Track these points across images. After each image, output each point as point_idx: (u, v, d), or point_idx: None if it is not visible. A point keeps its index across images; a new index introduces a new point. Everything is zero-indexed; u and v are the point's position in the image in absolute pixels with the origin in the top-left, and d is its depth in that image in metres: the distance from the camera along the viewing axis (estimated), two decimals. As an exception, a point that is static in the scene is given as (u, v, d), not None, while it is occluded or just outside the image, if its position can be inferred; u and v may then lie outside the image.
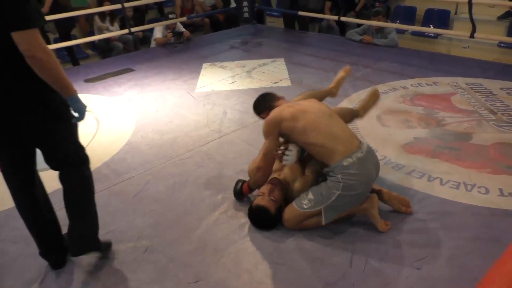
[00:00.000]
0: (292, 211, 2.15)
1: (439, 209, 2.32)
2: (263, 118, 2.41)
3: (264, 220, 2.20)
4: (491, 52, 5.31)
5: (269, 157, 2.27)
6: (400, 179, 2.59)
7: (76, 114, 1.76)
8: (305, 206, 2.10)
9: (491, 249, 2.01)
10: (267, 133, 2.26)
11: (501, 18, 5.64)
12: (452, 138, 3.04)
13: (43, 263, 2.04)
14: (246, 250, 2.10)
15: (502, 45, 5.28)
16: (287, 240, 2.14)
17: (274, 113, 2.26)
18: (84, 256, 1.98)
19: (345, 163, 2.02)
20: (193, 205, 2.46)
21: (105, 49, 6.28)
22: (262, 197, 2.20)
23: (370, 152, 2.15)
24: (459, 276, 1.87)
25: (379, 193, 2.26)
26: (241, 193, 2.41)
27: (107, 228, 2.29)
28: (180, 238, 2.20)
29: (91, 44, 6.57)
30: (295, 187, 2.24)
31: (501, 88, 3.84)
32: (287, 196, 2.25)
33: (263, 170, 2.31)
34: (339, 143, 2.08)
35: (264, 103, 2.46)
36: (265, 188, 2.23)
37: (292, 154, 2.22)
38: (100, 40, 6.14)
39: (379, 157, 2.80)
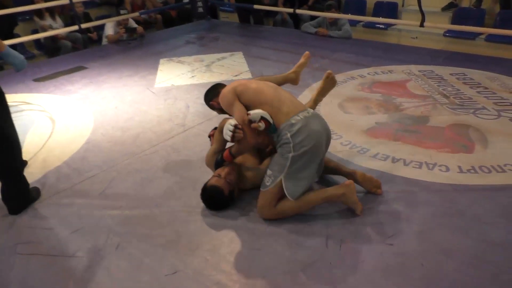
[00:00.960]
0: (261, 196, 2.16)
1: (405, 188, 2.41)
2: (213, 105, 2.46)
3: (217, 200, 2.23)
4: (437, 42, 5.58)
5: (246, 122, 2.14)
6: (366, 162, 2.66)
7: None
8: (267, 183, 2.12)
9: (456, 222, 2.12)
10: (228, 103, 2.23)
11: (445, 9, 5.94)
12: (411, 122, 3.17)
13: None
14: (222, 239, 2.08)
15: (447, 34, 5.56)
16: (262, 226, 2.14)
17: (225, 88, 2.31)
18: (54, 253, 1.88)
19: (292, 121, 2.08)
20: (163, 199, 2.40)
21: (52, 48, 5.94)
22: (217, 178, 2.22)
23: (318, 116, 2.20)
24: (429, 249, 1.95)
25: (353, 174, 2.32)
26: (222, 162, 2.29)
27: (74, 226, 2.20)
28: (153, 232, 2.14)
29: (37, 44, 6.24)
30: (247, 175, 2.31)
31: (451, 74, 4.05)
32: (240, 183, 2.30)
33: (247, 137, 2.15)
34: (286, 105, 2.14)
35: (214, 91, 2.46)
36: (222, 170, 2.26)
37: (255, 113, 2.13)
38: (46, 39, 5.81)
39: (344, 143, 2.90)
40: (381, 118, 3.24)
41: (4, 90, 2.25)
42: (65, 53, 5.74)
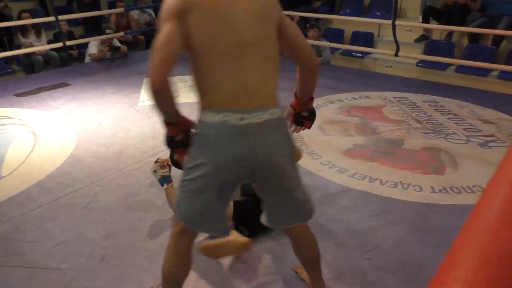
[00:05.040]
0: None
1: (381, 206, 2.53)
2: None
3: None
4: (411, 71, 5.86)
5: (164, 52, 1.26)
6: (344, 181, 2.78)
7: None
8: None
9: (429, 238, 2.23)
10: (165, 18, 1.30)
11: (417, 40, 6.27)
12: (386, 144, 3.32)
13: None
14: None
15: (420, 64, 5.86)
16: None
17: None
18: (37, 265, 1.89)
19: (206, 117, 1.31)
20: (147, 213, 2.44)
21: (25, 64, 5.89)
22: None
23: (275, 128, 1.33)
24: (405, 263, 2.06)
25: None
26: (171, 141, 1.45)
27: (57, 239, 2.20)
28: (137, 244, 2.17)
29: (16, 60, 6.21)
30: None
31: (423, 101, 4.27)
32: None
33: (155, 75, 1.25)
34: (231, 86, 1.29)
35: None
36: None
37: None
38: (23, 55, 5.80)
39: (324, 162, 3.01)
40: (359, 140, 3.39)
41: None
42: (39, 69, 5.73)
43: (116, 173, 2.89)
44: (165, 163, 2.27)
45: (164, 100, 1.30)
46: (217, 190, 1.35)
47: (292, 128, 1.69)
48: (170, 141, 1.44)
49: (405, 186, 2.73)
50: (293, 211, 1.48)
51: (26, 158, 3.10)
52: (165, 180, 2.25)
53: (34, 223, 2.35)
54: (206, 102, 1.33)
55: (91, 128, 3.65)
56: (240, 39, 1.29)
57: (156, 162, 2.30)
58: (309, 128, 1.72)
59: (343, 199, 2.59)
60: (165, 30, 1.27)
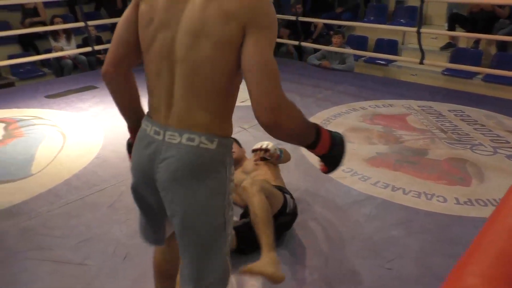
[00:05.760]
0: None
1: (403, 215, 2.50)
2: None
3: None
4: (436, 79, 5.78)
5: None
6: (366, 189, 2.76)
7: None
8: None
9: (451, 249, 2.19)
10: None
11: (443, 48, 6.18)
12: (410, 153, 3.29)
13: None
14: (226, 255, 2.14)
15: (445, 73, 5.77)
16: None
17: None
18: (62, 260, 1.95)
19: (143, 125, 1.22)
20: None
21: (56, 68, 6.11)
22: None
23: (188, 156, 1.12)
24: (426, 274, 2.03)
25: None
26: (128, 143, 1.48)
27: (82, 236, 2.27)
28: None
29: (47, 63, 6.44)
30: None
31: (449, 110, 4.20)
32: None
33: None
34: (158, 97, 1.17)
35: None
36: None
37: None
38: (53, 59, 6.01)
39: (346, 170, 3.00)
40: (382, 149, 3.36)
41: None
42: (68, 72, 5.92)
43: (140, 175, 2.95)
44: None
45: (112, 88, 1.26)
46: (136, 195, 1.27)
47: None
48: (127, 144, 1.42)
49: (429, 196, 2.69)
50: (185, 268, 1.21)
51: (55, 157, 3.20)
52: None
53: (61, 219, 2.43)
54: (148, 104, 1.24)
55: (117, 129, 3.73)
56: (170, 53, 1.11)
57: None
58: (325, 172, 1.26)
59: (364, 207, 2.57)
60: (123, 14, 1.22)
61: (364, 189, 2.75)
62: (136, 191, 1.27)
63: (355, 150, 3.32)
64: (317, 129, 1.15)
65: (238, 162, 2.61)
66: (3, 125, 3.77)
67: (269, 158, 2.47)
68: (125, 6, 7.14)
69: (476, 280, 0.50)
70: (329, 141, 1.16)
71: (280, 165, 2.61)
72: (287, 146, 3.13)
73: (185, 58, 1.09)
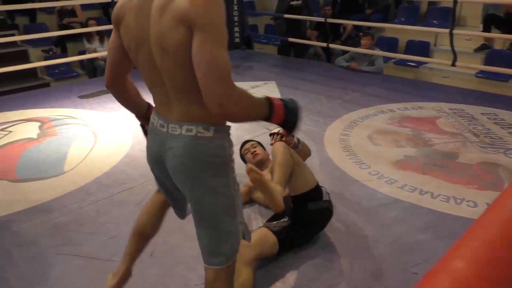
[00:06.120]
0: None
1: (430, 219, 2.44)
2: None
3: None
4: (469, 82, 5.61)
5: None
6: (393, 192, 2.71)
7: None
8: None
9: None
10: None
11: (477, 50, 6.00)
12: (440, 157, 3.21)
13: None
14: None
15: (479, 75, 5.60)
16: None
17: None
18: (91, 256, 2.02)
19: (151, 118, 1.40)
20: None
21: (90, 69, 6.30)
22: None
23: (188, 145, 1.26)
24: (454, 280, 1.98)
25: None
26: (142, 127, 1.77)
27: (110, 233, 2.33)
28: (184, 243, 2.25)
29: (80, 64, 6.67)
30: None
31: (482, 113, 4.08)
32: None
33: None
34: (157, 94, 1.33)
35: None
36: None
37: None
38: (86, 60, 6.21)
39: (372, 172, 2.96)
40: (410, 152, 3.30)
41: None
42: (100, 73, 6.08)
43: (167, 174, 3.01)
44: None
45: (115, 96, 1.52)
46: (156, 178, 1.53)
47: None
48: (140, 126, 1.75)
49: (458, 201, 2.62)
50: (201, 240, 1.39)
51: (86, 156, 3.31)
52: None
53: (91, 216, 2.51)
54: None
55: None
56: (153, 64, 1.25)
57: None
58: (286, 136, 1.66)
59: (391, 210, 2.53)
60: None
61: (390, 192, 2.71)
62: (155, 175, 1.49)
63: (382, 153, 3.27)
64: (269, 103, 1.25)
65: (263, 163, 2.63)
66: (38, 124, 3.93)
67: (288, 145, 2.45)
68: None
69: (462, 264, 0.54)
70: (283, 110, 1.28)
71: (305, 166, 2.60)
72: (309, 144, 3.11)
73: (162, 67, 1.22)
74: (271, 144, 2.48)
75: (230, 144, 1.32)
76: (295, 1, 6.33)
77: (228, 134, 1.32)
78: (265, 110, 1.24)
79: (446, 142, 3.47)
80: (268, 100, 1.26)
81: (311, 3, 6.61)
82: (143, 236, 1.77)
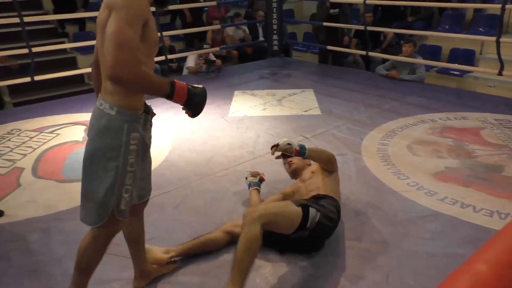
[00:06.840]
0: None
1: (472, 234, 2.36)
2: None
3: None
4: (517, 92, 5.38)
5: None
6: (433, 205, 2.64)
7: None
8: None
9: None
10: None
11: (527, 59, 5.74)
12: (483, 170, 3.09)
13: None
14: (282, 268, 2.14)
15: (528, 85, 5.36)
16: (320, 254, 2.20)
17: None
18: (128, 258, 2.09)
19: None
20: (230, 219, 2.55)
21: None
22: None
23: (96, 116, 1.55)
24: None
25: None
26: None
27: (149, 235, 2.37)
28: (219, 250, 2.28)
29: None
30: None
31: (530, 125, 3.90)
32: None
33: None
34: None
35: None
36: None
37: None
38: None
39: (411, 183, 2.90)
40: (451, 163, 3.20)
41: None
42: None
43: (204, 178, 3.07)
44: (256, 174, 2.76)
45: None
46: None
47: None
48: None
49: (503, 216, 2.51)
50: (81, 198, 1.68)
51: (128, 159, 3.43)
52: (250, 185, 2.69)
53: (131, 218, 2.59)
54: None
55: (185, 135, 3.92)
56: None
57: (249, 171, 2.81)
58: (190, 116, 1.67)
59: (430, 223, 2.46)
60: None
61: (430, 204, 2.64)
62: None
63: (421, 164, 3.19)
64: (172, 83, 1.46)
65: (298, 172, 2.63)
66: (83, 127, 4.12)
67: (289, 154, 2.41)
68: (195, 19, 7.52)
69: (484, 266, 0.58)
70: (186, 93, 1.50)
71: (341, 175, 2.58)
72: (328, 147, 3.09)
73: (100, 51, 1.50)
74: (276, 158, 2.57)
75: (131, 129, 1.52)
76: (332, 9, 6.31)
77: (133, 120, 1.52)
78: (166, 88, 1.46)
79: (491, 154, 3.34)
80: (172, 81, 1.47)
81: (348, 11, 6.56)
82: (135, 241, 2.01)
